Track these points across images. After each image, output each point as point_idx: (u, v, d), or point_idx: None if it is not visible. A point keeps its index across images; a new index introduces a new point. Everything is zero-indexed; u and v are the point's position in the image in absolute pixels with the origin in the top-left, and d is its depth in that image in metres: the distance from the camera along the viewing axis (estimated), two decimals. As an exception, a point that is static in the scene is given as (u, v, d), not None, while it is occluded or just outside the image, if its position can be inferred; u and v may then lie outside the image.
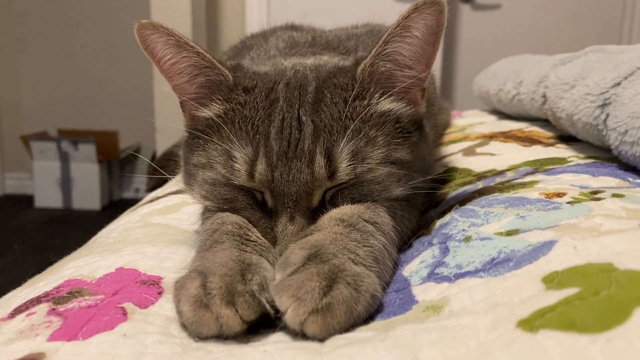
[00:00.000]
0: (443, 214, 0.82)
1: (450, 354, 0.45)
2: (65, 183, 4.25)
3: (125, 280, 0.71)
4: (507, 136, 1.19)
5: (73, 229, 3.73)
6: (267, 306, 0.59)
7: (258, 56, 1.01)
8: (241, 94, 0.79)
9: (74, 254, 0.92)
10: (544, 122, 1.28)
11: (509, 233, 0.65)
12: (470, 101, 2.29)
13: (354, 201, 0.75)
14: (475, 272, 0.60)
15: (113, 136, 4.53)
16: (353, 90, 0.77)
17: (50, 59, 4.58)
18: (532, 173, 0.90)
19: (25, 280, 0.82)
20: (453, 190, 0.94)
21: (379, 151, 0.75)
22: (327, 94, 0.77)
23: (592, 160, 0.94)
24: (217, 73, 0.79)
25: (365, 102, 0.77)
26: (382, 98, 0.78)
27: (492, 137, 1.20)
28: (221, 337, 0.57)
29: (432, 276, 0.65)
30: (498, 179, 0.91)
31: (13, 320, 0.62)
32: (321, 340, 0.55)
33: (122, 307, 0.63)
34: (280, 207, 0.74)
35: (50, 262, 0.89)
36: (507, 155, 1.06)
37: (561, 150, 1.04)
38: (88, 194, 4.26)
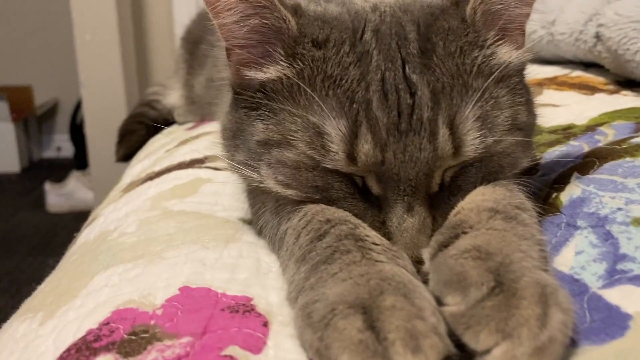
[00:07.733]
0: (556, 184, 0.68)
1: None
2: (-23, 145, 3.79)
3: (205, 306, 0.52)
4: (557, 83, 1.06)
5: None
6: (452, 346, 0.43)
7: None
8: (311, 48, 0.60)
9: (85, 260, 0.71)
10: (581, 65, 1.16)
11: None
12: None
13: (482, 181, 0.59)
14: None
15: (27, 91, 4.06)
16: (467, 37, 0.60)
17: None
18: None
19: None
20: (540, 152, 0.80)
21: (506, 115, 0.59)
22: (438, 42, 0.59)
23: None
24: (277, 17, 0.59)
25: (484, 51, 0.60)
26: (500, 45, 0.62)
27: (540, 84, 1.07)
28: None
29: (616, 274, 0.51)
30: (601, 138, 0.77)
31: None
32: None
33: (229, 357, 0.45)
34: (393, 195, 0.57)
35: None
36: (574, 107, 0.93)
37: (632, 99, 0.93)
38: (5, 156, 3.82)
